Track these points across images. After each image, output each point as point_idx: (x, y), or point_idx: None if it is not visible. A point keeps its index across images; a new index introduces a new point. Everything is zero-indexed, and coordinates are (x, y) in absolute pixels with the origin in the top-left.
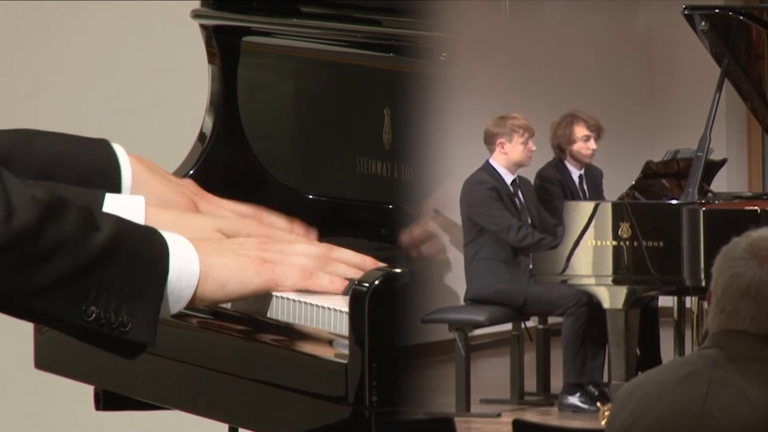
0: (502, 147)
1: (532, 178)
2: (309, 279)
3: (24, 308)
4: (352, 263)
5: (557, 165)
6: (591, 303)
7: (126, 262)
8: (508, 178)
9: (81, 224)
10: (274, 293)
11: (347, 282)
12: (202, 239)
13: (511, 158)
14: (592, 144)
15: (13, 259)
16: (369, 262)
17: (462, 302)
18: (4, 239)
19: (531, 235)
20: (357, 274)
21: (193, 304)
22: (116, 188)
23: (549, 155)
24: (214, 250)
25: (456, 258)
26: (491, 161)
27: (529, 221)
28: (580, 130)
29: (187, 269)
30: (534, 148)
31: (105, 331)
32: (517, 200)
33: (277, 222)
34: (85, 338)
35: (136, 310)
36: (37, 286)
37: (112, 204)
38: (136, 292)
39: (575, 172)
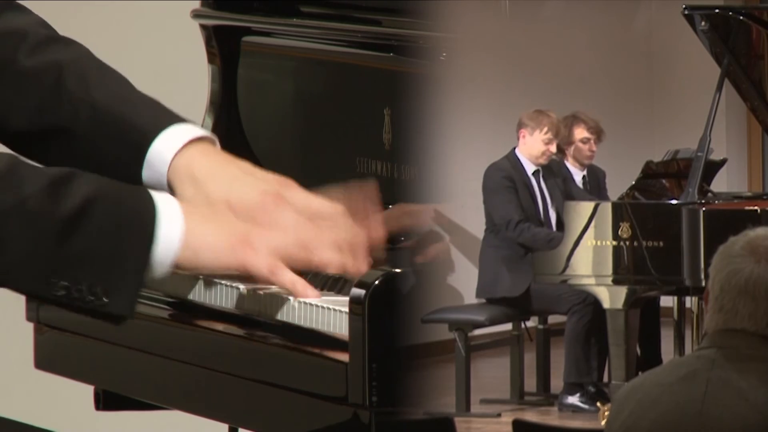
0: (524, 137)
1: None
2: (273, 275)
3: None
4: (333, 263)
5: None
6: (597, 302)
7: (101, 233)
8: (530, 168)
9: (42, 195)
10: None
11: (307, 287)
12: (191, 204)
13: (529, 150)
14: (591, 146)
15: None
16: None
17: (466, 302)
18: None
19: (527, 230)
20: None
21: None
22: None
23: None
24: (199, 216)
25: (457, 258)
26: (516, 150)
27: (553, 213)
28: (580, 132)
29: (170, 236)
30: (554, 150)
31: (78, 305)
32: (537, 191)
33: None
34: (64, 308)
35: (114, 283)
36: None
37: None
38: (113, 264)
39: (578, 174)
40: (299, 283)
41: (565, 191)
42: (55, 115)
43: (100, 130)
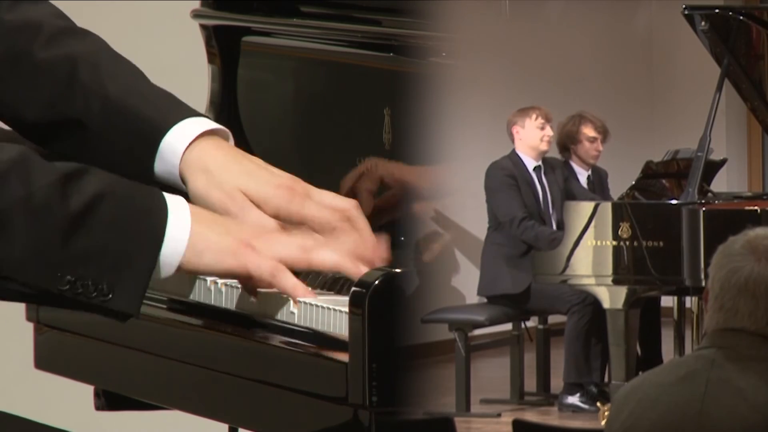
0: (518, 133)
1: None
2: (274, 278)
3: None
4: (331, 264)
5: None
6: (596, 302)
7: (108, 230)
8: (531, 165)
9: (51, 189)
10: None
11: (307, 291)
12: (199, 207)
13: (527, 143)
14: (597, 145)
15: None
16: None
17: (467, 303)
18: None
19: (531, 228)
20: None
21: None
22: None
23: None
24: (206, 219)
25: (457, 258)
26: (516, 149)
27: (552, 207)
28: (587, 131)
29: (177, 237)
30: (551, 133)
31: (82, 300)
32: (539, 187)
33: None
34: (65, 306)
35: (120, 280)
36: None
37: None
38: (119, 261)
39: (583, 173)
40: (300, 288)
41: (565, 189)
42: (68, 107)
43: (112, 122)
